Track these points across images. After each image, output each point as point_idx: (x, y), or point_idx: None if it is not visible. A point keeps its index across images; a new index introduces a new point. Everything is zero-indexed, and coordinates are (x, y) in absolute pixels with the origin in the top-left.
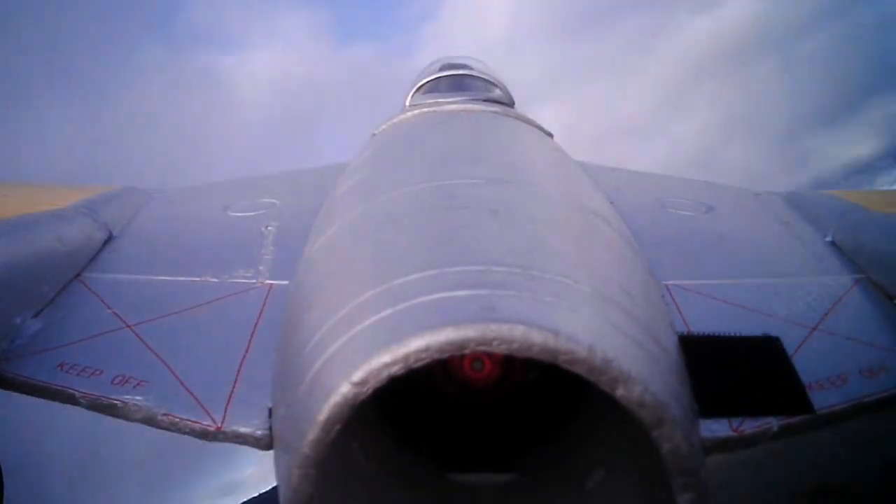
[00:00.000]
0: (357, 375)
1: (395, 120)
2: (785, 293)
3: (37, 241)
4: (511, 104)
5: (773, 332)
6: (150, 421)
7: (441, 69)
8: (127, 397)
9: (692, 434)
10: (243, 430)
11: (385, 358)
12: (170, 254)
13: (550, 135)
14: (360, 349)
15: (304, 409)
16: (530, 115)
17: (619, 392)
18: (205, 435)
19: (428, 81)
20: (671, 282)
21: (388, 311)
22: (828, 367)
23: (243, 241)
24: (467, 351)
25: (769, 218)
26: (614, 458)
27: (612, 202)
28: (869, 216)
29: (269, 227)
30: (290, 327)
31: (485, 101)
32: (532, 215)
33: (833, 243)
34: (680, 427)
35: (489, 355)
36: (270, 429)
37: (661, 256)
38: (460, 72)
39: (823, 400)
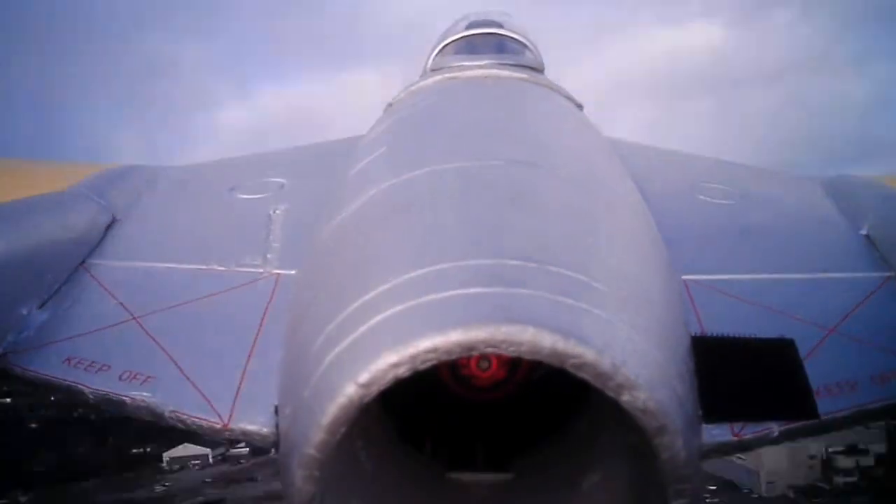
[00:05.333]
0: (363, 377)
1: (412, 88)
2: (807, 291)
3: (39, 226)
4: (541, 69)
5: (790, 334)
6: (158, 418)
7: (468, 27)
8: (135, 394)
9: (692, 442)
10: (250, 427)
11: (391, 359)
12: (175, 240)
13: (580, 106)
14: (366, 350)
15: (309, 409)
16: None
17: (625, 398)
18: (212, 432)
19: (451, 41)
20: (690, 276)
21: (396, 310)
22: (840, 371)
23: (251, 226)
24: (475, 353)
25: (804, 207)
26: (611, 461)
27: (640, 186)
28: None
29: (278, 211)
30: (297, 323)
31: (513, 65)
32: (552, 204)
33: (868, 236)
34: (681, 436)
35: (497, 355)
36: (277, 426)
37: (683, 248)
38: (489, 30)
39: (830, 405)
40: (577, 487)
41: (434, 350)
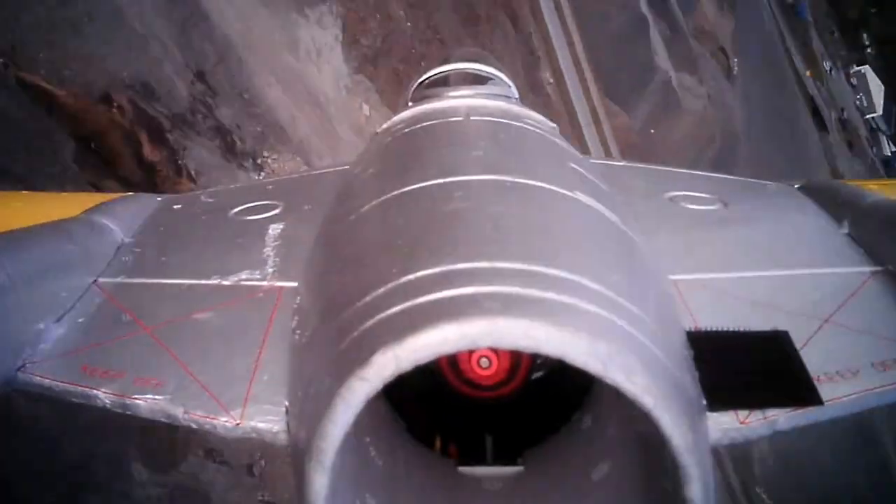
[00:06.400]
0: (365, 371)
1: (395, 118)
2: (796, 286)
3: (53, 248)
4: (516, 98)
5: (783, 326)
6: (172, 419)
7: (444, 63)
8: (149, 397)
9: (698, 427)
10: (261, 425)
11: (391, 353)
12: (181, 257)
13: (555, 127)
14: (366, 345)
15: (314, 404)
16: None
17: (624, 384)
18: (225, 431)
19: (431, 76)
20: (678, 276)
21: (395, 309)
22: (838, 359)
23: (253, 243)
24: (474, 346)
25: (782, 210)
26: (620, 450)
27: (619, 196)
28: (889, 206)
29: (277, 229)
30: (299, 325)
31: (489, 95)
32: (538, 211)
33: (849, 235)
34: (686, 420)
35: (496, 353)
36: (287, 423)
37: (669, 251)
38: (464, 65)
39: (833, 391)
40: (588, 478)
41: (432, 344)
